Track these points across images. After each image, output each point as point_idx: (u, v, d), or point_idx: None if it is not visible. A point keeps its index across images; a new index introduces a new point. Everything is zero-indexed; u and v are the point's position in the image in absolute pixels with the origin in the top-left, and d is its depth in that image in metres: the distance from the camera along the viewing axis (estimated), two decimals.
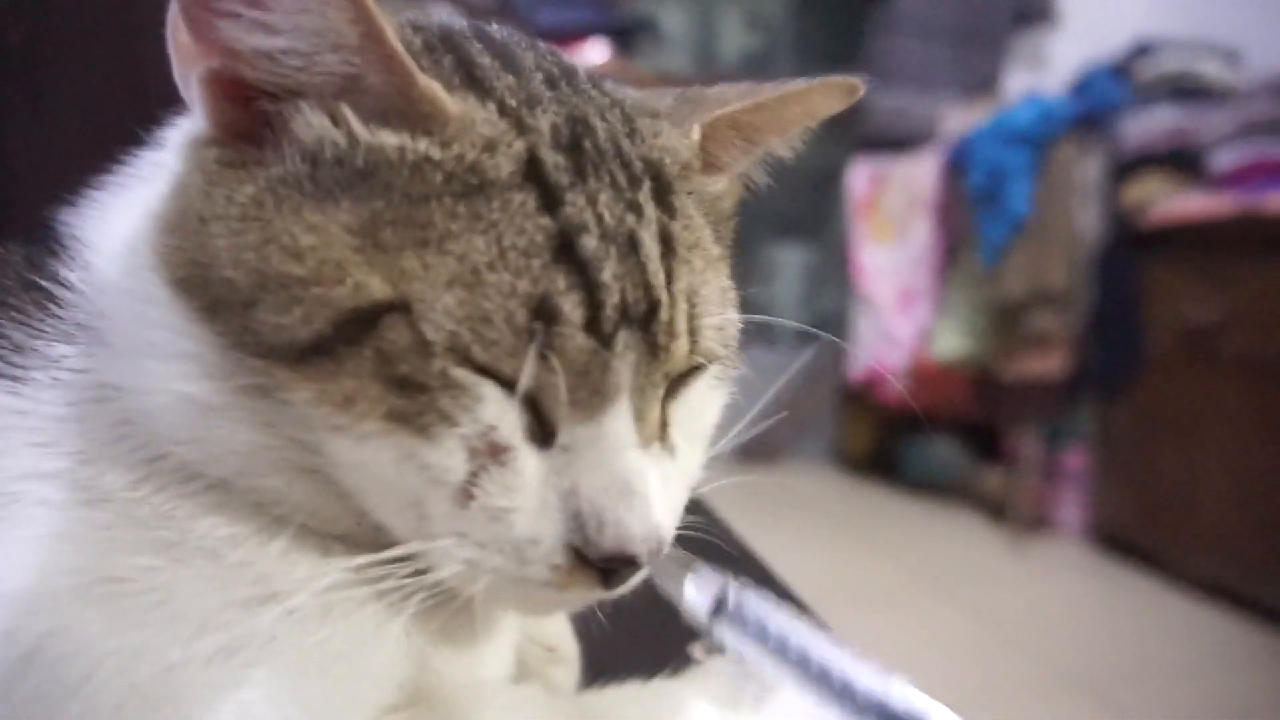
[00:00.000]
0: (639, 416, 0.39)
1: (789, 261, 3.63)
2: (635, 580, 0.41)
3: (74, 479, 0.37)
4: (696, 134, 0.45)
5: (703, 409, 0.45)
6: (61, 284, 0.40)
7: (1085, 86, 2.69)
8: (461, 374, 0.36)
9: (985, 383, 2.74)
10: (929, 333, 2.85)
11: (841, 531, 2.71)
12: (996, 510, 2.75)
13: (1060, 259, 2.51)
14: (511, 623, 0.49)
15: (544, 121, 0.39)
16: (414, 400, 0.35)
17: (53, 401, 0.38)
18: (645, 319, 0.38)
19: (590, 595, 0.40)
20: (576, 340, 0.36)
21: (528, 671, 0.53)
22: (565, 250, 0.37)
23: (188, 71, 0.38)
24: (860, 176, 3.18)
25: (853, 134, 3.18)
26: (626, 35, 3.25)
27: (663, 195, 0.41)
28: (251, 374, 0.36)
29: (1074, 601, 2.32)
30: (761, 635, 0.34)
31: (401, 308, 0.35)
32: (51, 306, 0.40)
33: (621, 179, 0.40)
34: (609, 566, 0.38)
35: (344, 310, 0.35)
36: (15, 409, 0.38)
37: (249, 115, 0.38)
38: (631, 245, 0.38)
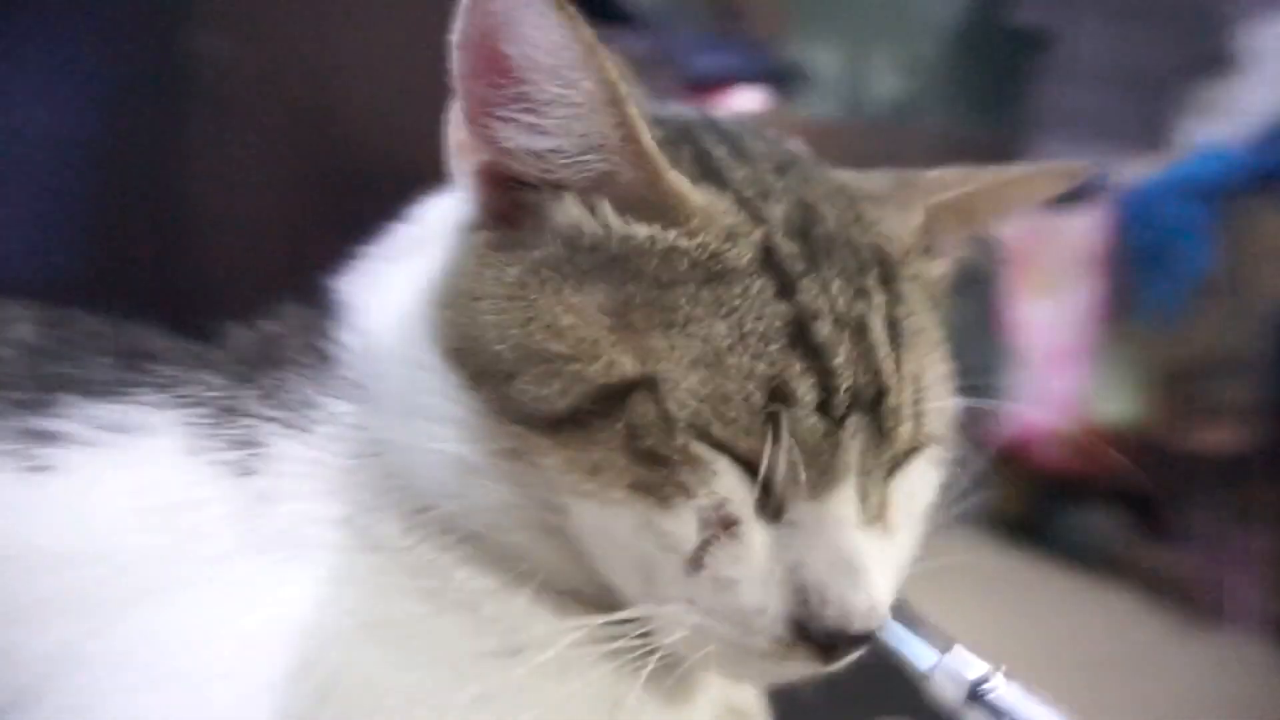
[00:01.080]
0: (864, 497, 0.41)
1: None
2: (853, 656, 0.41)
3: (354, 526, 0.41)
4: (919, 218, 0.46)
5: (920, 489, 0.45)
6: (339, 346, 0.45)
7: (1277, 137, 2.51)
8: (701, 449, 0.38)
9: (1152, 450, 2.56)
10: (1089, 393, 2.70)
11: (989, 600, 2.57)
12: (1161, 591, 2.55)
13: (1244, 322, 2.33)
14: (714, 686, 0.51)
15: (777, 210, 0.42)
16: (656, 472, 0.38)
17: (336, 453, 0.43)
18: (874, 403, 0.40)
19: (809, 668, 0.41)
20: (810, 422, 0.38)
21: None
22: (800, 335, 0.39)
23: (462, 163, 0.42)
24: (1018, 230, 3.06)
25: None
26: (779, 81, 3.28)
27: (889, 280, 0.43)
28: (510, 439, 0.39)
29: (1248, 699, 2.11)
30: None
31: (649, 384, 0.38)
32: (332, 366, 0.45)
33: (851, 264, 0.42)
34: (829, 643, 0.39)
35: (598, 385, 0.38)
36: (307, 459, 0.43)
37: (512, 202, 0.42)
38: (861, 330, 0.40)
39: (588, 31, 0.37)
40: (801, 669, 0.41)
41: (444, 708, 0.38)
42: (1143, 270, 2.56)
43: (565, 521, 0.40)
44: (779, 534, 0.40)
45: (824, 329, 0.39)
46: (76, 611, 0.36)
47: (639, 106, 0.40)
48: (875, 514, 0.42)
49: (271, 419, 0.43)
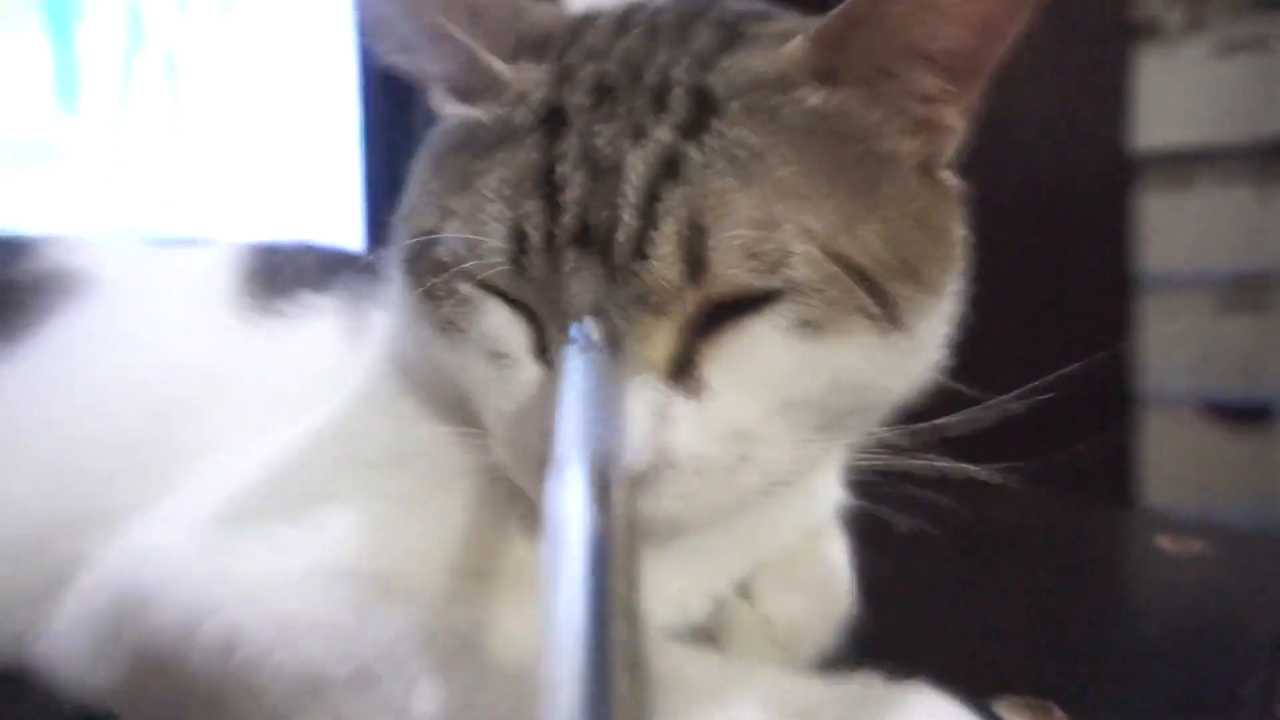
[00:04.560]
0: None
1: None
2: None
3: (368, 368, 0.54)
4: (796, 48, 0.42)
5: (762, 353, 0.40)
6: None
7: None
8: (467, 289, 0.43)
9: None
10: None
11: None
12: None
13: None
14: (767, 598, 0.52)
15: (589, 69, 0.43)
16: (439, 309, 0.44)
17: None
18: (606, 239, 0.39)
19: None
20: (534, 259, 0.40)
21: (732, 631, 0.52)
22: (545, 179, 0.40)
23: None
24: None
25: None
26: None
27: (700, 118, 0.41)
28: (408, 299, 0.47)
29: None
30: None
31: (436, 238, 0.43)
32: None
33: (643, 108, 0.41)
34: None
35: (411, 240, 0.45)
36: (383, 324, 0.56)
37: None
38: (611, 169, 0.40)
39: None
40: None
41: (362, 493, 0.47)
42: None
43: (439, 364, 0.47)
44: (550, 374, 0.41)
45: (562, 170, 0.40)
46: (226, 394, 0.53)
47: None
48: (653, 365, 0.39)
49: (378, 306, 0.56)
